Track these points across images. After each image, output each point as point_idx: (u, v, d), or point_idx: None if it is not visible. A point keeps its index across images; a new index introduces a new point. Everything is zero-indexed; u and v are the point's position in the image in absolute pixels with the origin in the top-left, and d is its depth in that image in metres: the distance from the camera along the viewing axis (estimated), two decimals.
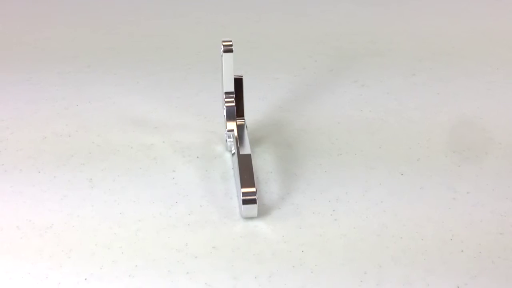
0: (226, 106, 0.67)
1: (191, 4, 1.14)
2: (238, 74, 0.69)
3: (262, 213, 0.64)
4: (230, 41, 0.65)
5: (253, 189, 0.61)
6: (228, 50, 0.65)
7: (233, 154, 0.70)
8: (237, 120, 0.69)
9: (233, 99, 0.67)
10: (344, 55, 0.96)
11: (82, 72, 0.91)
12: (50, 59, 0.94)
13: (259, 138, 0.76)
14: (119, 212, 0.64)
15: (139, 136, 0.76)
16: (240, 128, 0.68)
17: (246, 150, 0.65)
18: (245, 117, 0.73)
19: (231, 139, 0.69)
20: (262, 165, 0.71)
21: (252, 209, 0.61)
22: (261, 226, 0.62)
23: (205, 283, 0.56)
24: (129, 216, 0.63)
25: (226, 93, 0.68)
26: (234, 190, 0.66)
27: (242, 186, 0.61)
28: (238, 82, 0.68)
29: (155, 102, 0.83)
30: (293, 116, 0.80)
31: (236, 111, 0.69)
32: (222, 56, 0.65)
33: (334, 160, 0.72)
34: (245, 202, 0.61)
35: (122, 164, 0.71)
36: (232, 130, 0.67)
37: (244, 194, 0.61)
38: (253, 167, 0.69)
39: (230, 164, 0.70)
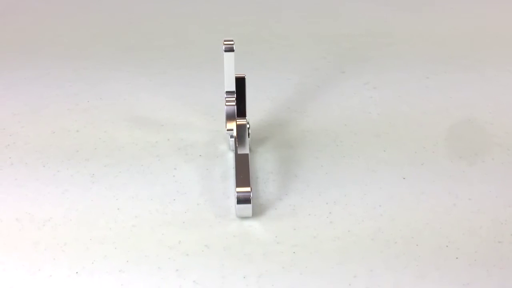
0: (226, 106, 0.67)
1: (205, 2, 1.15)
2: (240, 74, 0.69)
3: (258, 213, 0.64)
4: (232, 41, 0.65)
5: (247, 189, 0.61)
6: (229, 49, 0.65)
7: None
8: (238, 120, 0.69)
9: (233, 99, 0.67)
10: (358, 57, 0.95)
11: (97, 69, 0.92)
12: (68, 55, 0.96)
13: (263, 138, 0.76)
14: (116, 208, 0.65)
15: (145, 133, 0.77)
16: (241, 127, 0.68)
17: (244, 149, 0.65)
18: (252, 117, 0.73)
19: (233, 139, 0.69)
20: (263, 165, 0.71)
21: (246, 208, 0.62)
22: (255, 226, 0.62)
23: (193, 281, 0.56)
24: (126, 212, 0.64)
25: (227, 92, 0.68)
26: (232, 189, 0.66)
27: (237, 185, 0.62)
28: (240, 82, 0.68)
29: (164, 100, 0.84)
30: (300, 117, 0.80)
31: (238, 111, 0.69)
32: (223, 55, 0.65)
33: (336, 162, 0.71)
34: (239, 201, 0.61)
35: (125, 160, 0.72)
36: (232, 130, 0.67)
37: (238, 193, 0.61)
38: (254, 167, 0.69)
39: (231, 163, 0.71)
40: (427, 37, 1.01)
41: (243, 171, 0.63)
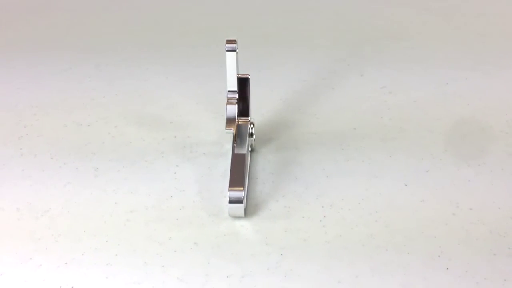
0: (227, 105, 0.68)
1: (227, 3, 1.15)
2: (244, 74, 0.69)
3: (252, 213, 0.64)
4: (234, 41, 0.65)
5: (240, 189, 0.61)
6: (231, 49, 0.65)
7: (249, 152, 0.71)
8: (239, 120, 0.69)
9: (235, 98, 0.68)
10: (379, 60, 0.94)
11: (117, 66, 0.94)
12: (92, 51, 0.98)
13: (269, 138, 0.76)
14: (114, 202, 0.66)
15: (153, 130, 0.78)
16: (242, 127, 0.68)
17: (241, 149, 0.65)
18: (261, 117, 0.74)
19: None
20: (265, 165, 0.71)
21: (238, 208, 0.62)
22: (246, 226, 0.62)
23: (177, 278, 0.57)
24: (123, 206, 0.65)
25: (229, 91, 0.68)
26: None
27: (230, 185, 0.62)
28: (243, 82, 0.68)
29: (178, 97, 0.84)
30: (310, 119, 0.80)
31: (240, 111, 0.69)
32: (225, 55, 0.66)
33: (339, 166, 0.71)
34: (231, 201, 0.61)
35: (130, 156, 0.73)
36: (231, 129, 0.67)
37: (230, 193, 0.61)
38: (255, 167, 0.69)
39: None
40: (451, 41, 0.99)
41: (238, 171, 0.63)
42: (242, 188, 0.61)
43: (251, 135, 0.71)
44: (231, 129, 0.67)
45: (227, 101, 0.68)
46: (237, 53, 0.66)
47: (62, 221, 0.63)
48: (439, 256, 0.58)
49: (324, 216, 0.63)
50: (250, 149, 0.72)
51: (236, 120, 0.68)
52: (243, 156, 0.64)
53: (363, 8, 1.12)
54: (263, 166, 0.71)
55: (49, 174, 0.70)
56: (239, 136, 0.67)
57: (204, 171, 0.70)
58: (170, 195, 0.67)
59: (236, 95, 0.68)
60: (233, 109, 0.67)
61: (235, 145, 0.66)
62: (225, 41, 0.66)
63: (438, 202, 0.65)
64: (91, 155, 0.73)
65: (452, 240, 0.60)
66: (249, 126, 0.71)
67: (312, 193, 0.67)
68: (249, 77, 0.69)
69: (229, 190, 0.61)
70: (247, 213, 0.64)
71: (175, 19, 1.09)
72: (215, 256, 0.59)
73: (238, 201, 0.61)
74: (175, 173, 0.70)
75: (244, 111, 0.70)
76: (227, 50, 0.65)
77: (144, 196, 0.66)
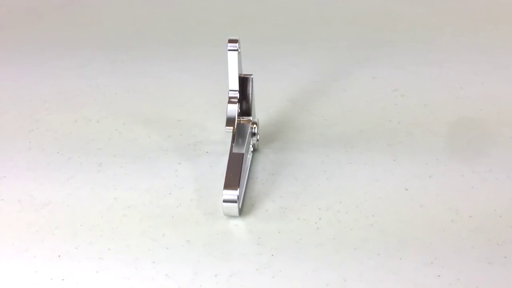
0: (228, 104, 0.68)
1: (245, 3, 1.15)
2: (247, 74, 0.69)
3: (248, 213, 0.64)
4: (236, 40, 0.65)
5: (235, 188, 0.61)
6: (232, 48, 0.65)
7: (252, 152, 0.71)
8: (241, 119, 0.70)
9: (236, 98, 0.68)
10: (395, 63, 0.93)
11: (133, 63, 0.95)
12: (109, 48, 0.99)
13: (273, 139, 0.75)
14: (113, 197, 0.67)
15: (160, 127, 0.78)
16: (242, 127, 0.68)
17: (240, 149, 0.65)
18: (268, 117, 0.74)
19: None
20: (266, 166, 0.71)
21: (232, 208, 0.62)
22: (240, 225, 0.62)
23: (166, 274, 0.57)
24: (121, 202, 0.66)
25: (231, 91, 0.68)
26: None
27: (225, 184, 0.62)
28: (245, 81, 0.68)
29: (189, 95, 0.85)
30: (317, 120, 0.79)
31: (242, 110, 0.69)
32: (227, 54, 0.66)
33: (341, 169, 0.70)
34: (225, 200, 0.62)
35: (134, 152, 0.74)
36: (230, 128, 0.67)
37: (225, 192, 0.61)
38: (256, 167, 0.69)
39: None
40: (469, 45, 0.97)
41: (234, 171, 0.63)
42: (237, 188, 0.61)
43: (253, 134, 0.71)
44: (231, 129, 0.67)
45: (228, 100, 0.68)
46: (239, 52, 0.66)
47: (61, 215, 0.64)
48: (432, 262, 0.57)
49: (320, 219, 0.63)
50: (252, 149, 0.72)
51: (237, 119, 0.68)
52: (240, 155, 0.64)
53: (381, 9, 1.10)
54: (264, 166, 0.71)
55: (53, 168, 0.71)
56: (239, 136, 0.67)
57: (205, 169, 0.71)
58: (168, 192, 0.67)
59: (237, 95, 0.68)
60: (234, 109, 0.67)
61: (233, 144, 0.66)
62: (227, 40, 0.66)
63: (438, 208, 0.64)
64: (96, 150, 0.74)
65: (447, 247, 0.59)
66: (252, 126, 0.71)
67: (310, 195, 0.66)
68: (250, 76, 0.69)
69: (223, 189, 0.61)
70: (243, 212, 0.64)
71: (193, 17, 1.09)
72: (205, 254, 0.59)
73: (232, 200, 0.61)
74: (176, 170, 0.70)
75: (246, 110, 0.69)
76: (229, 50, 0.65)
77: (143, 193, 0.67)
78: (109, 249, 0.60)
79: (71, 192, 0.67)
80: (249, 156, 0.71)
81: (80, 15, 1.11)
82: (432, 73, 0.90)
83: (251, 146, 0.72)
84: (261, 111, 0.78)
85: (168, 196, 0.67)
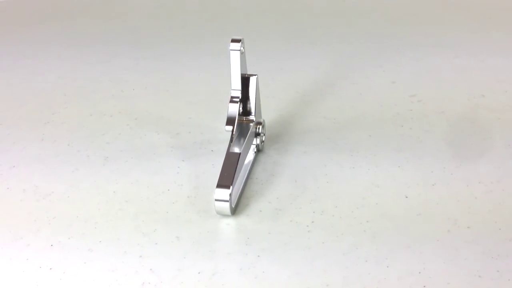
0: (229, 103, 0.68)
1: (272, 5, 1.15)
2: (252, 73, 0.69)
3: (241, 212, 0.64)
4: (239, 40, 0.66)
5: (228, 187, 0.61)
6: (234, 48, 0.66)
7: (255, 152, 0.72)
8: (245, 119, 0.70)
9: (237, 97, 0.68)
10: (418, 68, 0.91)
11: (156, 60, 0.97)
12: (134, 45, 1.01)
13: (280, 140, 0.75)
14: (112, 191, 0.68)
15: (170, 124, 0.79)
16: (244, 126, 0.69)
17: (236, 149, 0.65)
18: (280, 119, 0.74)
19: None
20: (268, 166, 0.71)
21: (224, 207, 0.62)
22: (232, 225, 0.63)
23: (150, 269, 0.57)
24: (120, 196, 0.67)
25: (233, 90, 0.68)
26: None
27: (218, 183, 0.62)
28: (247, 81, 0.68)
29: (204, 93, 0.86)
30: (328, 124, 0.79)
31: (246, 110, 0.69)
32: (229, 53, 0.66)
33: (343, 173, 0.69)
34: (217, 199, 0.62)
35: (140, 148, 0.75)
36: (230, 127, 0.67)
37: (217, 191, 0.62)
38: (258, 167, 0.69)
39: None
40: (498, 50, 0.94)
41: (228, 170, 0.63)
42: (229, 187, 0.61)
43: (257, 135, 0.71)
44: (230, 128, 0.67)
45: (230, 100, 0.68)
46: (241, 52, 0.66)
47: (60, 205, 0.66)
48: (419, 272, 0.56)
49: (312, 222, 0.62)
50: (256, 150, 0.72)
51: (239, 119, 0.68)
52: (236, 155, 0.64)
53: (408, 11, 1.08)
54: (265, 166, 0.71)
55: (61, 160, 0.73)
56: (239, 135, 0.67)
57: (207, 168, 0.71)
58: (167, 189, 0.68)
59: (239, 94, 0.68)
60: (234, 108, 0.67)
61: (231, 143, 0.66)
62: (230, 40, 0.66)
63: (436, 217, 0.63)
64: (105, 144, 0.76)
65: (438, 257, 0.58)
66: (256, 126, 0.71)
67: (307, 197, 0.66)
68: (253, 76, 0.69)
69: (216, 188, 0.62)
70: (237, 212, 0.64)
71: (218, 16, 1.10)
72: (192, 252, 0.59)
73: (224, 199, 0.61)
74: (178, 167, 0.71)
75: (246, 110, 0.69)
76: (231, 49, 0.65)
77: (142, 188, 0.68)
78: (100, 241, 0.61)
79: (74, 184, 0.69)
80: (251, 156, 0.71)
81: (112, 12, 1.13)
82: (455, 79, 0.88)
83: (254, 146, 0.71)
84: (273, 111, 0.79)
85: (166, 192, 0.67)
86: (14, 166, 0.72)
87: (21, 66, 0.97)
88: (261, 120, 0.73)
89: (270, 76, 0.89)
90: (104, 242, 0.61)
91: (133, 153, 0.74)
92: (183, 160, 0.72)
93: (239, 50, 0.66)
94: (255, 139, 0.72)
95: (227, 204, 0.62)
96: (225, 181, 0.62)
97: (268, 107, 0.79)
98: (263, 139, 0.73)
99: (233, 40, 0.66)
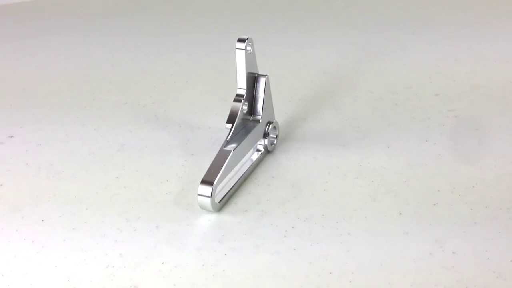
0: (233, 101, 0.68)
1: (297, 11, 1.13)
2: (262, 73, 0.69)
3: (226, 210, 0.64)
4: (244, 40, 0.66)
5: (211, 184, 0.62)
6: (240, 48, 0.66)
7: (261, 153, 0.72)
8: (252, 118, 0.70)
9: (242, 96, 0.68)
10: (446, 86, 0.86)
11: (206, 55, 0.99)
12: (190, 40, 1.04)
13: (294, 143, 0.74)
14: (116, 176, 0.70)
15: (196, 117, 0.81)
16: (246, 126, 0.69)
17: (230, 147, 0.65)
18: (302, 122, 0.74)
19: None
20: (270, 168, 0.70)
21: (205, 202, 0.62)
22: (212, 221, 0.63)
23: (119, 254, 0.59)
24: (120, 182, 0.69)
25: (238, 89, 0.69)
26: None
27: (203, 178, 0.63)
28: (253, 80, 0.68)
29: (230, 91, 0.86)
30: (348, 131, 0.77)
31: (255, 110, 0.70)
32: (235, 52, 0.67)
33: (344, 183, 0.67)
34: (200, 194, 0.62)
35: (159, 138, 0.77)
36: (230, 125, 0.68)
37: (201, 187, 0.62)
38: (260, 168, 0.69)
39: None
40: None
41: (216, 166, 0.64)
42: (212, 183, 0.62)
43: (265, 135, 0.71)
44: (230, 125, 0.68)
45: (234, 98, 0.69)
46: (246, 51, 0.66)
47: (65, 184, 0.69)
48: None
49: (292, 227, 0.61)
50: (263, 150, 0.72)
51: (243, 118, 0.68)
52: (227, 152, 0.65)
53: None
54: (268, 168, 0.70)
55: (82, 143, 0.77)
56: (239, 134, 0.67)
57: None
58: (166, 179, 0.69)
59: (244, 93, 0.68)
60: (236, 107, 0.67)
61: (227, 140, 0.66)
62: (237, 39, 0.66)
63: (422, 239, 0.59)
64: (127, 132, 0.79)
65: (407, 281, 0.54)
66: (266, 127, 0.71)
67: (297, 203, 0.65)
68: (263, 77, 0.69)
69: (200, 183, 0.62)
70: (223, 209, 0.64)
71: (268, 13, 1.10)
72: (165, 242, 0.60)
73: (206, 195, 0.62)
74: (185, 160, 0.72)
75: (250, 109, 0.69)
76: (237, 48, 0.66)
77: (144, 177, 0.70)
78: (85, 222, 0.63)
79: (84, 167, 0.72)
80: (256, 156, 0.70)
81: (175, 7, 1.17)
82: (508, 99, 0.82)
83: (261, 146, 0.71)
84: (296, 113, 0.78)
85: (164, 183, 0.69)
86: (40, 145, 0.77)
87: (91, 52, 1.03)
88: (273, 121, 0.72)
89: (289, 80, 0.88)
90: (89, 223, 0.63)
91: (148, 142, 0.76)
92: (192, 154, 0.73)
93: (245, 49, 0.66)
94: (263, 139, 0.71)
95: (209, 200, 0.62)
96: (210, 177, 0.63)
97: (287, 107, 0.78)
98: (274, 141, 0.73)
99: (240, 40, 0.66)
